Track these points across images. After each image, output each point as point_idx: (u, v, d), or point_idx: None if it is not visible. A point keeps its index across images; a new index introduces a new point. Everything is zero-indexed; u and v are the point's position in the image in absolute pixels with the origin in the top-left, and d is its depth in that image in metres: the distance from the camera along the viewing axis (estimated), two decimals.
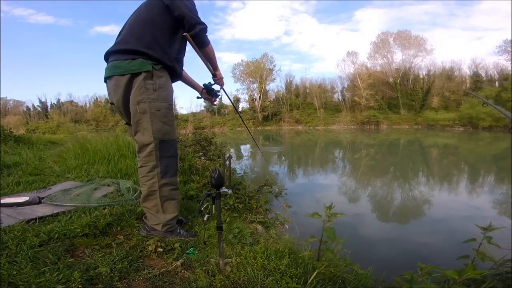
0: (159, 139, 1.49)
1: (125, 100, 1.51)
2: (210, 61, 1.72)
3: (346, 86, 44.63)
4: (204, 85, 1.84)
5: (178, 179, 1.67)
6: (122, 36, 1.53)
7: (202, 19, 1.54)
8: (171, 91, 1.57)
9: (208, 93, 1.86)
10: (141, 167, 1.53)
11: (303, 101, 45.52)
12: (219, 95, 1.90)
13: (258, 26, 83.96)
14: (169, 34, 1.52)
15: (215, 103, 2.02)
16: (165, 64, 1.50)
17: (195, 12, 1.55)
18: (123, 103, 1.52)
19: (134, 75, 1.45)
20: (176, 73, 1.62)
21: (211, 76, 1.83)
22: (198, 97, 1.90)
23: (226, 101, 46.31)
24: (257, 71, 44.94)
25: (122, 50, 1.49)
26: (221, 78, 1.85)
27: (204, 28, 1.54)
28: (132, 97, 1.47)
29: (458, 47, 65.15)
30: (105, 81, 1.58)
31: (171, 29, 1.52)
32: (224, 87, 1.93)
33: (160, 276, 1.20)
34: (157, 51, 1.47)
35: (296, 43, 79.30)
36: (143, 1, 1.62)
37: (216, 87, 1.87)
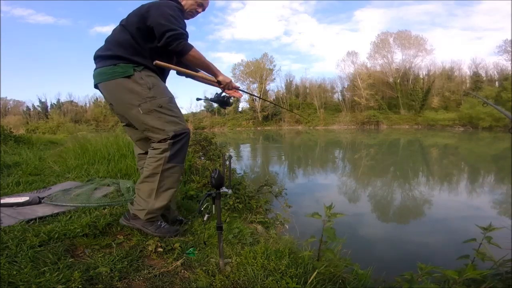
0: (173, 132, 1.49)
1: (121, 105, 1.54)
2: (202, 68, 1.61)
3: (346, 86, 44.69)
4: (212, 100, 1.69)
5: (182, 169, 1.64)
6: (105, 42, 1.56)
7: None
8: (165, 87, 1.60)
9: (221, 105, 1.71)
10: (152, 149, 1.53)
11: (303, 101, 45.52)
12: (231, 102, 1.74)
13: (258, 26, 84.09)
14: (149, 38, 1.49)
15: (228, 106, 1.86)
16: (146, 65, 1.51)
17: (169, 18, 1.44)
18: (120, 107, 1.56)
19: (123, 80, 1.47)
20: (164, 73, 1.65)
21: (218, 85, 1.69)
22: (198, 99, 1.81)
23: None
24: (257, 71, 44.98)
25: (105, 56, 1.52)
26: (228, 83, 1.66)
27: (174, 35, 1.42)
28: (129, 101, 1.49)
29: (458, 47, 65.31)
30: (96, 87, 1.61)
31: (151, 35, 1.49)
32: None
33: (160, 276, 1.20)
34: (134, 54, 1.49)
35: (296, 43, 79.46)
36: (142, 2, 1.63)
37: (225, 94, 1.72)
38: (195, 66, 1.61)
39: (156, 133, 1.50)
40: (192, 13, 1.71)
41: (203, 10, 1.75)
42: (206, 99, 1.87)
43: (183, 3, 1.64)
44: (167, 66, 1.48)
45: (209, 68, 1.60)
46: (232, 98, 1.72)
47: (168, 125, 1.49)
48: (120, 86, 1.48)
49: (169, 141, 1.48)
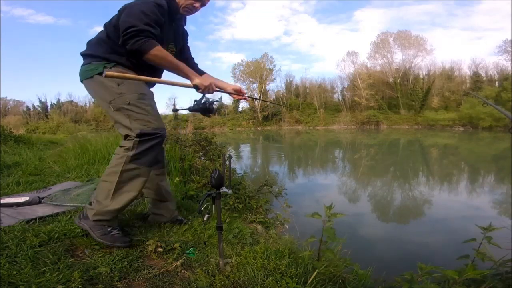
0: (139, 130, 1.38)
1: (99, 102, 1.52)
2: (170, 70, 1.44)
3: (346, 86, 44.70)
4: (192, 109, 1.47)
5: (157, 176, 1.55)
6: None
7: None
8: (140, 84, 1.47)
9: (203, 113, 1.49)
10: (119, 146, 1.44)
11: (303, 101, 45.52)
12: (215, 109, 1.49)
13: (258, 26, 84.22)
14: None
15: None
16: (118, 62, 1.45)
17: (137, 15, 1.31)
18: (100, 104, 1.53)
19: (97, 77, 1.43)
20: (155, 70, 1.52)
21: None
22: (174, 110, 1.65)
23: (226, 101, 46.29)
24: (257, 71, 44.99)
25: (83, 55, 1.51)
26: (208, 86, 1.44)
27: (132, 32, 1.28)
28: (103, 99, 1.46)
29: (458, 47, 65.41)
30: None
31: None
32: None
33: (160, 276, 1.20)
34: (106, 52, 1.45)
35: (296, 43, 79.53)
36: None
37: (208, 98, 1.49)
38: (163, 68, 1.45)
39: (124, 131, 1.43)
40: (189, 9, 1.55)
41: (203, 5, 1.58)
42: (183, 109, 1.74)
43: None
44: (116, 75, 1.27)
45: (179, 70, 1.41)
46: (215, 103, 1.48)
47: (135, 123, 1.39)
48: (94, 84, 1.46)
49: (134, 139, 1.38)
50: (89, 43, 1.52)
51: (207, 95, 1.48)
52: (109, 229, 1.38)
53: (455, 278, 1.02)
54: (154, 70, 1.50)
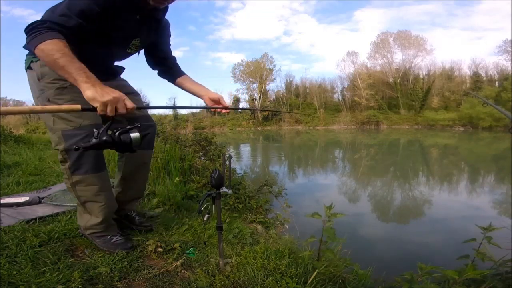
0: (61, 131, 1.18)
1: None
2: (57, 71, 0.99)
3: (346, 86, 44.70)
4: (84, 146, 0.97)
5: (102, 177, 1.29)
6: None
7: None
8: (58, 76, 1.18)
9: (118, 150, 1.04)
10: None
11: (303, 101, 45.54)
12: (133, 138, 0.99)
13: (258, 26, 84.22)
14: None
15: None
16: None
17: (53, 8, 1.05)
18: None
19: (28, 72, 1.27)
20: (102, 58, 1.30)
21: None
22: (77, 148, 0.98)
23: (226, 101, 46.17)
24: (257, 71, 44.97)
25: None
26: (107, 101, 0.93)
27: (29, 27, 0.98)
28: (32, 95, 1.28)
29: (458, 47, 65.40)
30: None
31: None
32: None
33: (160, 276, 1.20)
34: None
35: (295, 43, 79.53)
36: None
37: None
38: (50, 67, 1.04)
39: (49, 130, 1.22)
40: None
41: None
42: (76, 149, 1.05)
43: None
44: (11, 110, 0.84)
45: (66, 73, 0.96)
46: (133, 133, 1.00)
47: (56, 123, 1.18)
48: (28, 79, 1.28)
49: (56, 139, 1.20)
50: None
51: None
52: (109, 237, 1.35)
53: (455, 278, 1.02)
54: (95, 65, 1.05)
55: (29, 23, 0.99)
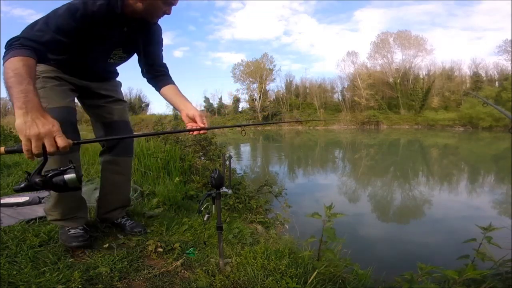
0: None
1: None
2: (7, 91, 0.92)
3: (346, 86, 44.65)
4: (16, 188, 0.80)
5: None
6: None
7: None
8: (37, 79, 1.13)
9: (54, 189, 0.86)
10: None
11: (303, 101, 45.53)
12: (69, 179, 0.82)
13: (258, 26, 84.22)
14: None
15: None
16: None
17: (31, 24, 1.04)
18: None
19: None
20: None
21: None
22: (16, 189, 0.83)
23: (226, 101, 46.38)
24: (257, 71, 44.97)
25: None
26: (31, 136, 0.79)
27: (7, 44, 0.97)
28: None
29: (458, 47, 65.34)
30: None
31: None
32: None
33: (160, 276, 1.20)
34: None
35: (295, 43, 79.49)
36: None
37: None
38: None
39: None
40: (153, 11, 1.18)
41: (174, 4, 1.20)
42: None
43: (130, 1, 1.14)
44: None
45: (10, 95, 0.92)
46: (73, 176, 0.82)
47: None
48: None
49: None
50: None
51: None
52: (67, 229, 1.34)
53: (455, 278, 1.02)
54: (77, 72, 1.18)
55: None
